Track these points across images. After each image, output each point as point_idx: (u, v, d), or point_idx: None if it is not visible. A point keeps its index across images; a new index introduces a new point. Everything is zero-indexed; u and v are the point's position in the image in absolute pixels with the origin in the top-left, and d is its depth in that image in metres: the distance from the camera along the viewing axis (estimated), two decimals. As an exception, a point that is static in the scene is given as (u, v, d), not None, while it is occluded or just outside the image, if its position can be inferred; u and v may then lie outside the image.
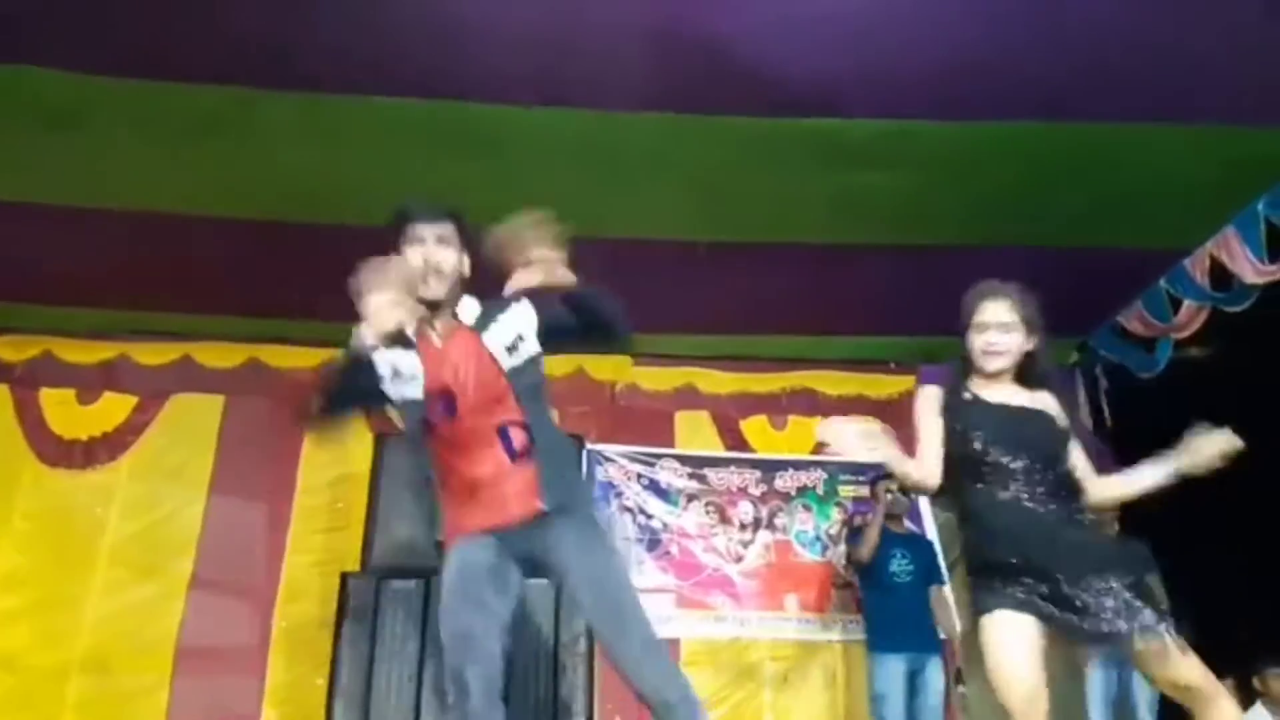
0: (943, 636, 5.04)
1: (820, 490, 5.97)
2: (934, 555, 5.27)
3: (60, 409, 5.59)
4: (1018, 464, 2.63)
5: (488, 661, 2.41)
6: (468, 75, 3.70)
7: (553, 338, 2.62)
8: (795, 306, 5.36)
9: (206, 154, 4.11)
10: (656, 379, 6.09)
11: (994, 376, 2.78)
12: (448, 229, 2.62)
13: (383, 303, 2.35)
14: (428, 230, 2.59)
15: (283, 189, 4.29)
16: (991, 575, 2.60)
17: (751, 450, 6.03)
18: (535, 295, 2.62)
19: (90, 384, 5.67)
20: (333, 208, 4.45)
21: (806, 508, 5.93)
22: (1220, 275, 4.70)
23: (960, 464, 2.70)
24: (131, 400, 5.65)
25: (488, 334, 2.59)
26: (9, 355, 5.65)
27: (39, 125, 3.90)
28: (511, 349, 2.60)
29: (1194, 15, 3.41)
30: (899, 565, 4.88)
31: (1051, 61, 3.63)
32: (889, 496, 4.99)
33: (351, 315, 2.47)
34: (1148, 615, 2.46)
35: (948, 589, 5.17)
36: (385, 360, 2.56)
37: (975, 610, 2.65)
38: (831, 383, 6.14)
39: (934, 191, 4.38)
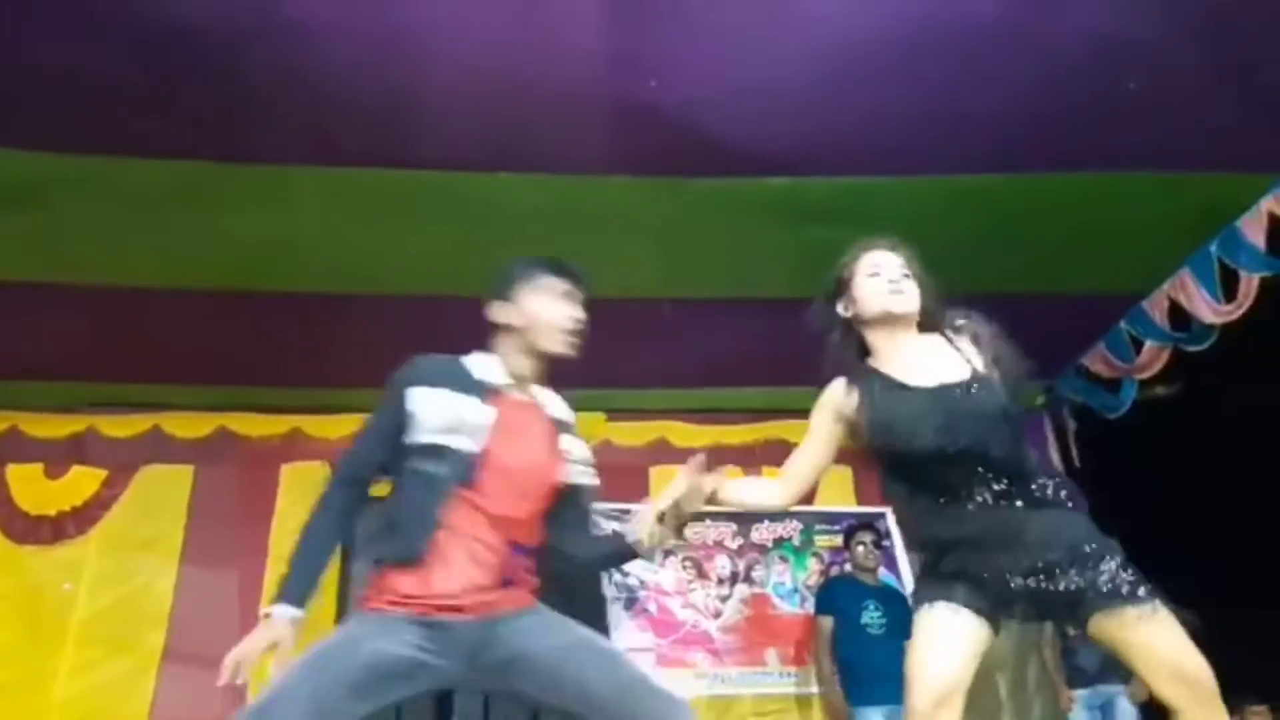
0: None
1: (797, 541, 5.94)
2: (907, 609, 5.21)
3: (28, 485, 5.51)
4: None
5: None
6: (428, 144, 3.75)
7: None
8: (764, 359, 5.38)
9: (166, 227, 4.12)
10: (630, 434, 6.05)
11: (897, 326, 2.37)
12: (574, 289, 2.40)
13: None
14: (558, 283, 2.37)
15: (245, 259, 4.31)
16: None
17: (727, 503, 5.97)
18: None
19: (58, 458, 5.59)
20: (295, 276, 4.48)
21: (783, 559, 5.89)
22: (1179, 316, 4.78)
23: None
24: (101, 473, 5.57)
25: (566, 435, 2.40)
26: (-26, 433, 5.58)
27: (-2, 204, 3.89)
28: (585, 464, 2.43)
29: (1142, 66, 3.50)
30: (871, 617, 4.84)
31: (1003, 115, 3.71)
32: (859, 549, 4.99)
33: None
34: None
35: None
36: (436, 401, 2.19)
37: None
38: (805, 433, 6.08)
39: (893, 245, 4.44)
